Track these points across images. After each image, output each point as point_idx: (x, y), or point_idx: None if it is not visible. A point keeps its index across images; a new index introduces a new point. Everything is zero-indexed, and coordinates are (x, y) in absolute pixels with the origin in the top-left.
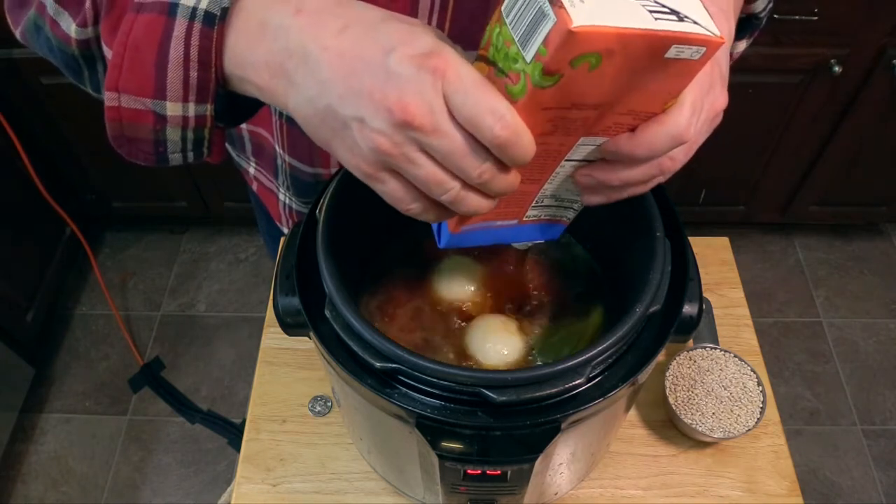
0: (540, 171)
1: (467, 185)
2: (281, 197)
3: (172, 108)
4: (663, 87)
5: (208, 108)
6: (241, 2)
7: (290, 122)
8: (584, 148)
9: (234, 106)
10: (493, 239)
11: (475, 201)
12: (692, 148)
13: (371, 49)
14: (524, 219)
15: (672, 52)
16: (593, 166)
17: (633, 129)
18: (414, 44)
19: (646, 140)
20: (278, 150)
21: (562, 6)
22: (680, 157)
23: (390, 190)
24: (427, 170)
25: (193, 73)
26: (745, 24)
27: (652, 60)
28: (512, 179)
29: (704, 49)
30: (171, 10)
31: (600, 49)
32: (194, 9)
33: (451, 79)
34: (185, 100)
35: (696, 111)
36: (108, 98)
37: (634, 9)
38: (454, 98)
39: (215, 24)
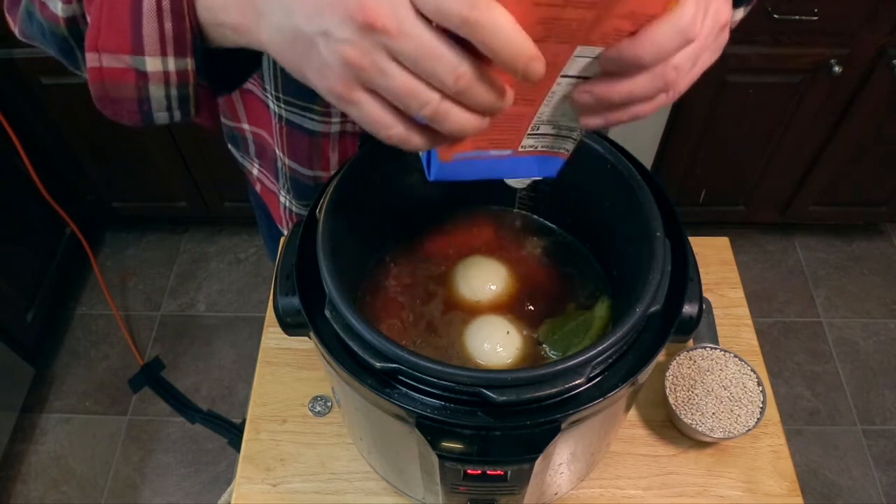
0: (534, 88)
1: (448, 96)
2: (282, 199)
3: (152, 64)
4: None
5: (188, 63)
6: None
7: (289, 125)
8: (581, 60)
9: (217, 63)
10: (487, 172)
11: (460, 117)
12: (698, 56)
13: None
14: (520, 149)
15: None
16: (593, 82)
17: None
18: None
19: (650, 38)
20: (278, 152)
21: None
22: (685, 66)
23: (367, 112)
24: (400, 79)
25: (168, 24)
26: None
27: None
28: (497, 87)
29: None
30: None
31: None
32: None
33: None
34: (164, 53)
35: (700, 7)
36: (90, 59)
37: None
38: None
39: None
